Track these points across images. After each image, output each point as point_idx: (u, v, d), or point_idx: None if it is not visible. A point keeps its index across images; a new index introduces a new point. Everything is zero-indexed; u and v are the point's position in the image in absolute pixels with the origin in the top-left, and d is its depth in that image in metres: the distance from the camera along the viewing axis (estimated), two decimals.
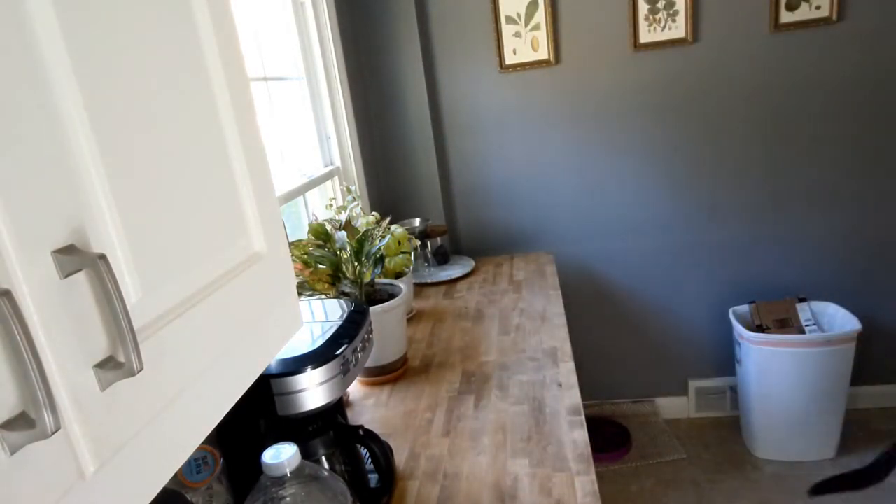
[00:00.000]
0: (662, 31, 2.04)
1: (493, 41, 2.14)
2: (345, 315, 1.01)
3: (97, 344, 0.35)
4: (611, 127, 2.18)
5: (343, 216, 1.51)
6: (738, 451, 2.26)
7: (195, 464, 0.84)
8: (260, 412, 0.86)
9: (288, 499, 0.69)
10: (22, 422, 0.29)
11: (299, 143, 1.83)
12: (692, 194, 2.22)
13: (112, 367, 0.35)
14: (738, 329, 2.14)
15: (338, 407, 1.02)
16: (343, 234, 1.37)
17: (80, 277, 0.34)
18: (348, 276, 1.36)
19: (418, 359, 1.50)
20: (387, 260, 1.63)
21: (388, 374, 1.40)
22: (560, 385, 1.28)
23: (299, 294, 1.31)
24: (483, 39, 2.15)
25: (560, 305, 1.72)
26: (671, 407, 2.51)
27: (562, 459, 1.03)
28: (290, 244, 1.35)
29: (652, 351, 2.46)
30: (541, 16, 2.07)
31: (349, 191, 1.68)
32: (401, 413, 1.26)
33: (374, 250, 1.35)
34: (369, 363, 1.37)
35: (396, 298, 1.36)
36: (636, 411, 2.52)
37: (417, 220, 2.18)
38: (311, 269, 1.36)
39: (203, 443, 0.86)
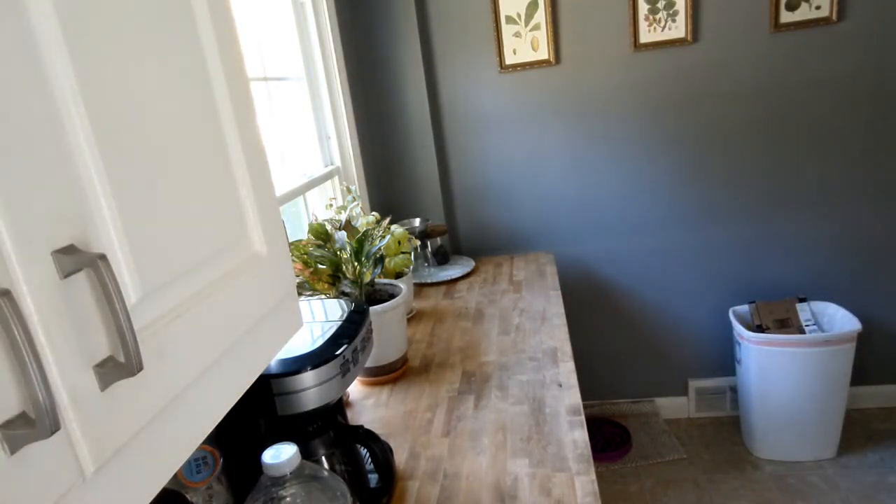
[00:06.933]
0: (662, 31, 2.04)
1: (493, 41, 2.14)
2: (345, 315, 1.01)
3: (97, 344, 0.35)
4: (611, 127, 2.18)
5: (343, 216, 1.51)
6: (738, 451, 2.26)
7: (195, 464, 0.84)
8: (260, 412, 0.86)
9: (288, 499, 0.69)
10: (22, 422, 0.29)
11: (299, 143, 1.83)
12: (692, 194, 2.22)
13: (112, 367, 0.35)
14: (738, 329, 2.14)
15: (338, 407, 1.02)
16: (343, 234, 1.37)
17: (80, 277, 0.34)
18: (348, 276, 1.36)
19: (418, 359, 1.50)
20: (387, 260, 1.63)
21: (388, 374, 1.40)
22: (560, 385, 1.28)
23: (299, 294, 1.31)
24: (483, 39, 2.15)
25: (560, 305, 1.72)
26: (671, 407, 2.51)
27: (562, 459, 1.03)
28: (290, 244, 1.35)
29: (652, 351, 2.46)
30: (541, 16, 2.07)
31: (349, 191, 1.68)
32: (401, 413, 1.26)
33: (374, 250, 1.35)
34: (369, 363, 1.37)
35: (396, 298, 1.36)
36: (636, 411, 2.52)
37: (417, 220, 2.18)
38: (311, 269, 1.36)
39: (203, 443, 0.86)
